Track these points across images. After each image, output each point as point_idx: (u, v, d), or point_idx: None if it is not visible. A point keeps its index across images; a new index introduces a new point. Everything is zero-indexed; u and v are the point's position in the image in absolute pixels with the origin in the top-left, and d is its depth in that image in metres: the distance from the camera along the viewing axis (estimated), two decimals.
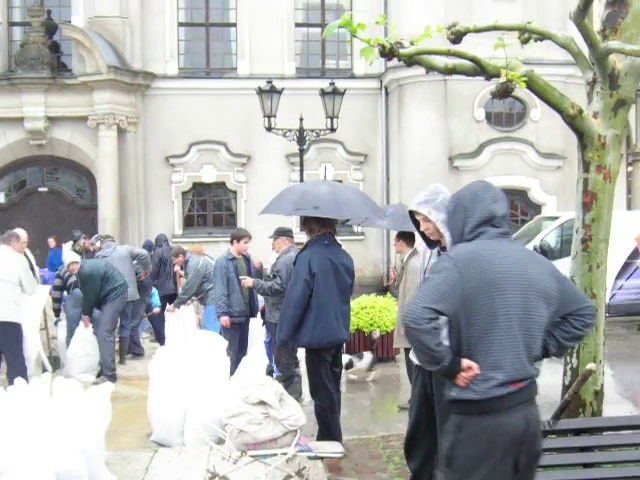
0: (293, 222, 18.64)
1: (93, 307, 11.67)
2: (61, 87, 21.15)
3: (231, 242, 10.81)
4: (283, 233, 10.50)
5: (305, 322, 7.28)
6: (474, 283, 3.66)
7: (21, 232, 10.76)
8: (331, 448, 6.50)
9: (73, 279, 12.27)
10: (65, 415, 6.09)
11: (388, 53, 5.50)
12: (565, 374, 6.80)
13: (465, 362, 3.63)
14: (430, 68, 6.13)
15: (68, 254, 12.03)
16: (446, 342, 3.70)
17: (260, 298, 10.96)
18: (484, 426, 3.62)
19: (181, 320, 13.16)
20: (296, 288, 7.25)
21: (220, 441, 6.62)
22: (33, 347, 11.02)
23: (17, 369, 9.71)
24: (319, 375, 7.45)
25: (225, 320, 10.32)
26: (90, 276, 11.51)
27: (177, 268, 13.70)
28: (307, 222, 7.60)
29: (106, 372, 11.28)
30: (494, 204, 3.89)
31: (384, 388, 10.98)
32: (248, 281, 9.91)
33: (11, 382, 8.05)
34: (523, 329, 3.68)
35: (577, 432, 4.96)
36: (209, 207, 22.75)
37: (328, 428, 7.42)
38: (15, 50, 21.81)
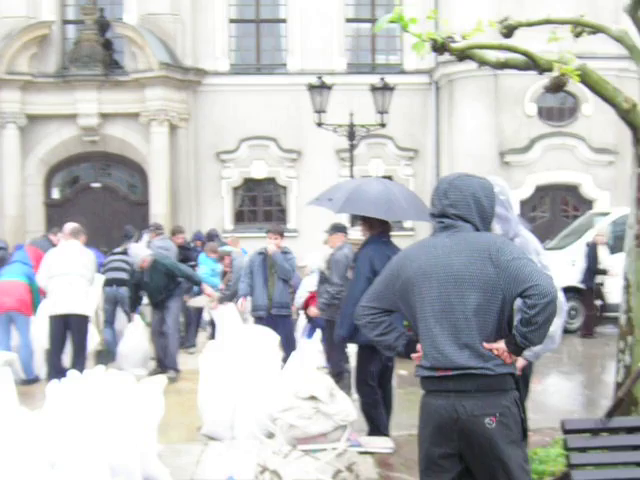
0: (344, 218, 18.64)
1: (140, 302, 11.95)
2: (114, 84, 21.36)
3: (267, 236, 10.88)
4: (339, 229, 10.48)
5: None
6: (401, 280, 4.02)
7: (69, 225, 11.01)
8: (381, 444, 6.52)
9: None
10: (119, 408, 6.16)
11: (440, 48, 5.49)
12: (617, 372, 6.72)
13: (418, 346, 4.00)
14: (482, 63, 6.10)
15: (140, 249, 12.01)
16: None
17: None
18: (422, 403, 3.98)
19: (224, 316, 13.33)
20: (358, 285, 7.24)
21: (270, 435, 6.65)
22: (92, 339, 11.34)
23: (82, 361, 9.95)
24: (368, 372, 7.48)
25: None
26: (165, 272, 11.57)
27: (226, 269, 13.80)
28: (367, 219, 7.58)
29: (172, 366, 11.40)
30: (444, 198, 4.01)
31: None
32: (312, 312, 9.97)
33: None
34: (443, 319, 3.87)
35: (630, 430, 4.89)
36: (259, 202, 22.85)
37: (373, 423, 7.44)
38: (69, 48, 22.06)
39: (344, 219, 18.68)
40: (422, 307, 3.92)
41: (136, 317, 12.00)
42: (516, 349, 3.81)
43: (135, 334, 11.72)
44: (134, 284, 11.77)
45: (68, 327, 10.43)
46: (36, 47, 21.43)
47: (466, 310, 3.82)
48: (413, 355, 4.05)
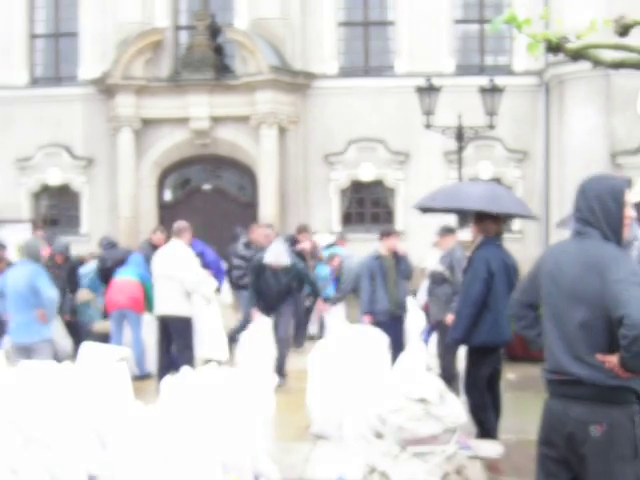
0: (451, 221, 18.53)
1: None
2: (224, 88, 21.68)
3: (380, 239, 10.87)
4: (450, 231, 10.44)
5: (481, 322, 7.27)
6: (538, 278, 4.04)
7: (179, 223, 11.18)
8: (490, 447, 6.48)
9: None
10: (231, 405, 6.28)
11: (554, 48, 5.43)
12: None
13: None
14: (596, 63, 6.01)
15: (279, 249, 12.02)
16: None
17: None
18: (544, 405, 4.01)
19: (333, 317, 13.47)
20: (474, 287, 7.24)
21: (379, 436, 6.67)
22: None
23: (185, 361, 10.13)
24: (478, 375, 7.45)
25: (367, 319, 10.45)
26: (295, 276, 11.35)
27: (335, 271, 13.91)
28: (483, 222, 7.55)
29: (279, 372, 11.39)
30: (575, 202, 3.99)
31: (542, 387, 10.78)
32: (449, 319, 9.90)
33: (176, 370, 8.41)
34: (557, 328, 3.87)
35: None
36: (367, 204, 22.88)
37: (483, 426, 7.40)
38: (181, 53, 22.49)
39: (452, 222, 18.59)
40: (545, 311, 3.95)
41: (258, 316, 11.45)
42: (628, 367, 3.66)
43: (254, 334, 11.60)
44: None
45: (168, 328, 10.68)
46: (150, 52, 21.94)
47: (573, 323, 3.79)
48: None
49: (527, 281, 4.18)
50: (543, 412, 3.98)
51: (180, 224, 10.97)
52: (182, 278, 10.42)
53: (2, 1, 22.86)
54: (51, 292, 9.50)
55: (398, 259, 10.79)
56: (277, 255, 10.81)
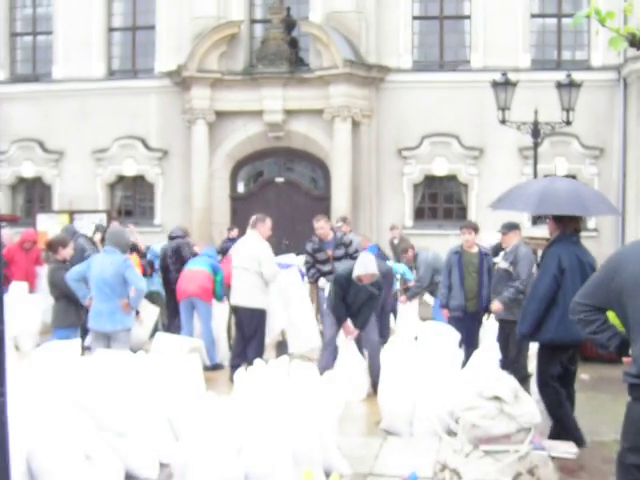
0: (524, 217, 18.33)
1: None
2: (298, 81, 21.75)
3: (460, 233, 10.86)
4: (514, 227, 10.33)
5: (549, 318, 7.19)
6: (615, 282, 3.92)
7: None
8: (565, 448, 6.39)
9: None
10: (302, 398, 6.30)
11: (637, 43, 5.31)
12: None
13: (631, 350, 3.89)
14: None
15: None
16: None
17: None
18: (627, 408, 3.92)
19: (406, 312, 13.49)
20: (543, 283, 7.18)
21: (450, 433, 6.64)
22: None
23: (256, 352, 10.22)
24: (548, 372, 7.37)
25: (444, 312, 10.40)
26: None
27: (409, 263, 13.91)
28: (561, 219, 7.45)
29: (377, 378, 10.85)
30: None
31: (616, 388, 10.60)
32: (496, 306, 9.76)
33: (250, 362, 8.48)
34: None
35: None
36: (440, 200, 22.74)
37: (561, 422, 7.32)
38: (256, 46, 22.61)
39: (524, 218, 18.36)
40: (633, 314, 3.84)
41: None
42: None
43: None
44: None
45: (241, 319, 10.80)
46: (225, 46, 22.09)
47: None
48: (625, 359, 3.99)
49: (596, 284, 4.09)
50: (627, 417, 3.87)
51: (256, 216, 11.08)
52: (253, 269, 10.52)
53: None
54: (142, 283, 9.66)
55: (481, 255, 10.69)
56: (366, 266, 9.77)
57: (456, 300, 10.45)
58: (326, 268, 12.00)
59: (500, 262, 10.21)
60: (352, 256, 11.39)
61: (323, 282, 11.97)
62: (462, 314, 10.44)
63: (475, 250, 10.69)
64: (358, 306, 10.05)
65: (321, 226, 12.21)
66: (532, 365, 8.95)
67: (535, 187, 8.12)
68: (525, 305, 7.61)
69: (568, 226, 7.38)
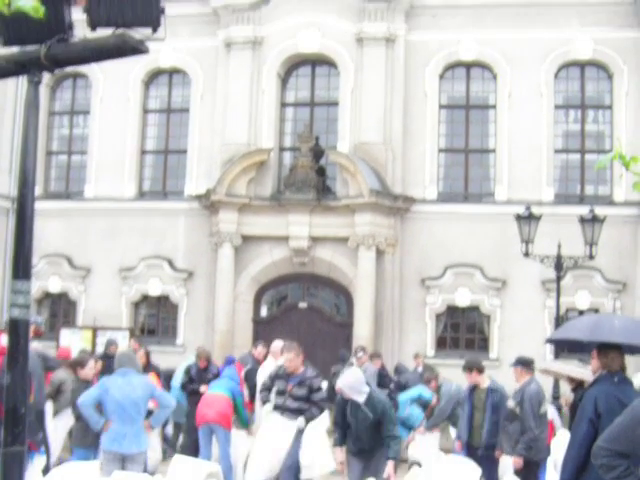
0: (547, 351, 18.29)
1: None
2: (325, 209, 22.10)
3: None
4: (525, 364, 10.26)
5: (590, 466, 7.01)
6: None
7: (276, 343, 11.35)
8: None
9: None
10: None
11: None
12: None
13: None
14: None
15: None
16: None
17: None
18: None
19: (425, 444, 13.31)
20: (580, 428, 7.00)
21: None
22: None
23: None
24: None
25: (457, 444, 10.55)
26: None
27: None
28: (607, 354, 7.24)
29: None
30: None
31: None
32: (516, 464, 9.67)
33: None
34: None
35: None
36: (462, 330, 22.71)
37: None
38: (284, 173, 23.09)
39: (547, 351, 18.28)
40: None
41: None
42: None
43: None
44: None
45: None
46: (254, 172, 22.55)
47: None
48: None
49: (620, 429, 4.07)
50: None
51: (275, 344, 11.16)
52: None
53: (118, 118, 24.00)
54: (173, 402, 9.67)
55: (488, 391, 10.58)
56: (341, 379, 9.19)
57: (461, 434, 10.49)
58: (278, 401, 10.84)
59: (509, 400, 10.15)
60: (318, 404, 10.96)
61: (267, 409, 11.10)
62: (466, 447, 10.38)
63: (485, 386, 10.62)
64: (362, 434, 9.22)
65: (290, 359, 10.89)
66: None
67: (592, 318, 8.14)
68: (565, 452, 7.47)
69: (615, 361, 7.19)
